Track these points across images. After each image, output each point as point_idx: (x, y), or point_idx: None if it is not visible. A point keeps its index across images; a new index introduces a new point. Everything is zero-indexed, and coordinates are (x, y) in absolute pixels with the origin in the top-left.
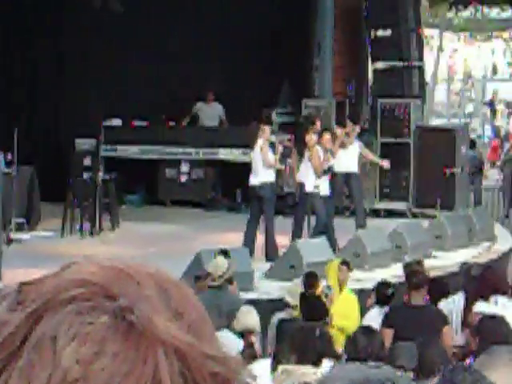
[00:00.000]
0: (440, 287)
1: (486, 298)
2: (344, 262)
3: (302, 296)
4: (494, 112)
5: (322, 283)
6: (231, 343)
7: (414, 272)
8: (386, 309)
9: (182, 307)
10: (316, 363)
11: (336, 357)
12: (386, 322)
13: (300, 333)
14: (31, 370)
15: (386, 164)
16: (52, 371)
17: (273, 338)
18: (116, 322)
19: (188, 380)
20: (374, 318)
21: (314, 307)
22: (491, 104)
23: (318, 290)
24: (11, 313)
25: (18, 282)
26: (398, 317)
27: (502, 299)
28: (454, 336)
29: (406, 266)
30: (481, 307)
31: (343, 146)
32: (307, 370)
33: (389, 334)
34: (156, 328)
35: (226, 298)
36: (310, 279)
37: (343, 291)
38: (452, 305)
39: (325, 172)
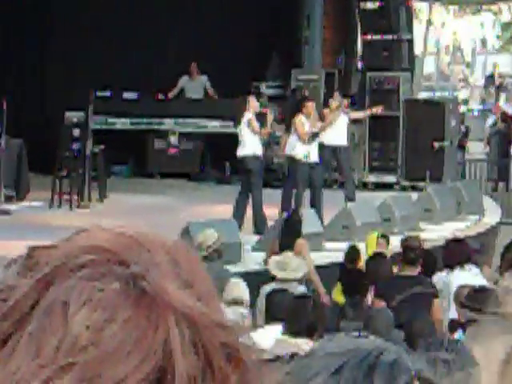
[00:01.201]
0: (431, 260)
1: (460, 266)
2: (382, 236)
3: (343, 270)
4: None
5: (364, 258)
6: None
7: (411, 247)
8: None
9: (191, 278)
10: (309, 335)
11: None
12: (378, 292)
13: (292, 304)
14: (41, 334)
15: (375, 110)
16: (62, 337)
17: (262, 309)
18: (128, 289)
19: (199, 348)
20: None
21: (357, 282)
22: (492, 77)
23: (360, 265)
24: (21, 278)
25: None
26: (389, 287)
27: (474, 268)
28: (447, 309)
29: (404, 241)
30: (460, 277)
31: (332, 120)
32: (301, 342)
33: (381, 304)
34: (168, 295)
35: (214, 269)
36: (352, 254)
37: None
38: (446, 278)
39: (312, 138)
